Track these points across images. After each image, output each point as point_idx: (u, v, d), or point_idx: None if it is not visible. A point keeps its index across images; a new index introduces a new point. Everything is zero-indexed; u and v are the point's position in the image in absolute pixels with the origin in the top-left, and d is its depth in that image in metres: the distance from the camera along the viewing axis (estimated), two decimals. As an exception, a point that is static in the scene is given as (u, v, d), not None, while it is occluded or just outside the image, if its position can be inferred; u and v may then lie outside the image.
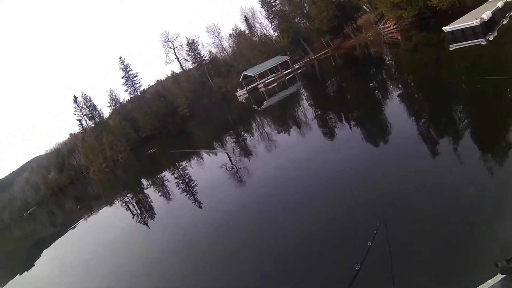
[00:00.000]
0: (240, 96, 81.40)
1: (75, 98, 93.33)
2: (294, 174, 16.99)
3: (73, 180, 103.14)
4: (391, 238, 7.60)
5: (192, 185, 26.30)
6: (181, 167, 36.05)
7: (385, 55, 41.23)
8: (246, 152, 27.43)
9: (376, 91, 25.40)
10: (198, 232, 16.40)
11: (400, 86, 23.64)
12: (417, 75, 24.63)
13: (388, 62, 35.44)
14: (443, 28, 25.04)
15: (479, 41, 21.66)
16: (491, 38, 21.04)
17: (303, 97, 42.16)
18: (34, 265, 27.77)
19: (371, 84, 28.52)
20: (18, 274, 26.37)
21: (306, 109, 32.35)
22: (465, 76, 19.03)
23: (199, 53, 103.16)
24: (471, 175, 9.62)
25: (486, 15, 22.29)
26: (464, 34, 23.46)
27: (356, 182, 12.88)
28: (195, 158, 36.29)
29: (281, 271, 9.78)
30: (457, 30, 23.99)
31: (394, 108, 19.04)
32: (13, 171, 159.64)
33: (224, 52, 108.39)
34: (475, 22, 22.31)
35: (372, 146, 16.01)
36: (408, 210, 9.51)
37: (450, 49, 23.58)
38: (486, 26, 22.29)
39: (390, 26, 51.05)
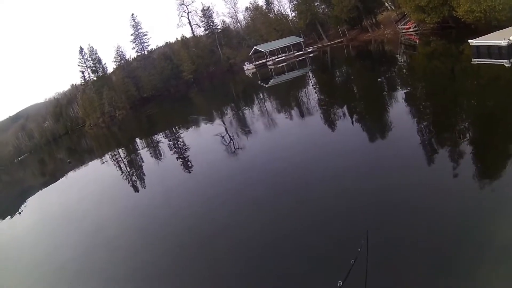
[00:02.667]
0: (247, 70, 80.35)
1: (81, 50, 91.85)
2: (284, 162, 16.39)
3: (68, 131, 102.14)
4: (374, 257, 7.28)
5: (184, 150, 26.27)
6: (177, 132, 35.74)
7: (399, 55, 40.19)
8: (244, 127, 27.16)
9: (383, 89, 24.94)
10: (182, 197, 16.59)
11: (408, 88, 23.13)
12: (430, 82, 23.94)
13: (401, 63, 34.49)
14: (469, 40, 24.03)
15: (503, 62, 20.68)
16: (515, 62, 20.37)
17: (310, 82, 41.36)
18: (19, 212, 27.54)
19: (379, 80, 28.06)
20: (1, 219, 26.36)
21: (311, 94, 31.74)
22: (480, 92, 18.38)
23: (212, 21, 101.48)
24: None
25: (514, 37, 21.43)
26: (489, 51, 22.47)
27: (343, 188, 12.16)
28: (193, 125, 36.17)
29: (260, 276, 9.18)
30: (483, 46, 23.00)
31: (397, 110, 18.81)
32: (9, 116, 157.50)
33: (238, 24, 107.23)
34: (503, 42, 21.20)
35: (366, 145, 15.44)
36: (397, 229, 9.10)
37: (472, 62, 22.79)
38: (513, 49, 21.55)
39: (410, 28, 49.83)
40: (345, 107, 23.54)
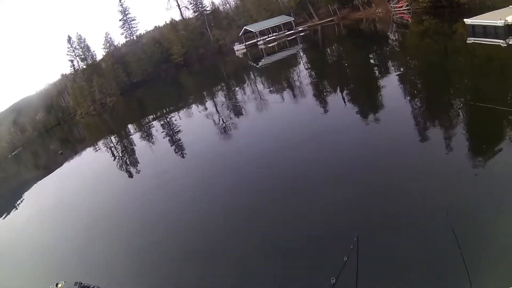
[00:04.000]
0: (238, 50, 79.48)
1: (69, 38, 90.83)
2: (276, 142, 16.56)
3: (60, 122, 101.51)
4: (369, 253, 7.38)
5: (176, 133, 26.28)
6: (168, 116, 35.57)
7: (391, 34, 39.71)
8: (235, 108, 27.27)
9: (375, 68, 24.78)
10: (177, 179, 16.73)
11: (400, 67, 22.94)
12: (423, 60, 23.75)
13: (393, 41, 34.11)
14: (465, 20, 23.75)
15: (499, 42, 20.45)
16: (511, 42, 19.88)
17: (302, 60, 40.98)
18: (16, 208, 27.42)
19: (370, 58, 27.96)
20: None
21: (302, 73, 31.50)
22: (473, 71, 18.14)
23: (201, 3, 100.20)
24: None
25: (511, 18, 21.01)
26: (485, 31, 22.34)
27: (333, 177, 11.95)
28: (184, 109, 36.09)
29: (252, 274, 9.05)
30: (479, 25, 22.83)
31: (388, 88, 18.53)
32: (1, 112, 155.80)
33: (227, 5, 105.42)
34: (499, 22, 21.03)
35: (356, 126, 15.17)
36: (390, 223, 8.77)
37: (468, 42, 22.52)
38: (509, 29, 21.03)
39: (402, 6, 49.10)
40: (336, 86, 23.33)
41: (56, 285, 2.71)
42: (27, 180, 39.99)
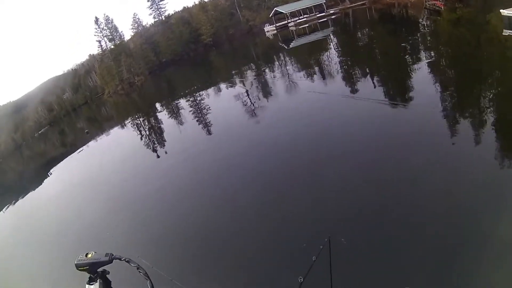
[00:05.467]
0: (268, 31, 78.26)
1: (97, 19, 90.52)
2: (303, 127, 15.61)
3: (87, 101, 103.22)
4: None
5: (204, 113, 25.47)
6: (196, 95, 34.76)
7: (423, 20, 37.61)
8: (264, 89, 26.37)
9: (405, 53, 23.21)
10: (203, 159, 16.39)
11: (432, 55, 21.13)
12: (454, 49, 21.86)
13: (425, 29, 32.03)
14: (501, 11, 21.75)
15: None
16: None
17: (332, 43, 39.41)
18: (42, 184, 27.81)
19: (402, 45, 26.02)
20: (27, 193, 26.47)
21: (332, 56, 30.22)
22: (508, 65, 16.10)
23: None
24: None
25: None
26: None
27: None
28: (212, 88, 35.45)
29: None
30: None
31: (418, 74, 17.23)
32: (28, 92, 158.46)
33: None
34: None
35: (385, 114, 13.84)
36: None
37: (504, 34, 20.35)
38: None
39: None
40: (366, 70, 22.12)
41: (86, 255, 2.36)
42: (53, 157, 40.61)
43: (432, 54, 21.05)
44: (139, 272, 2.78)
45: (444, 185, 8.18)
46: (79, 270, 2.65)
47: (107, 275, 2.76)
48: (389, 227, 7.81)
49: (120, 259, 2.78)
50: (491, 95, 12.55)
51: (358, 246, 7.38)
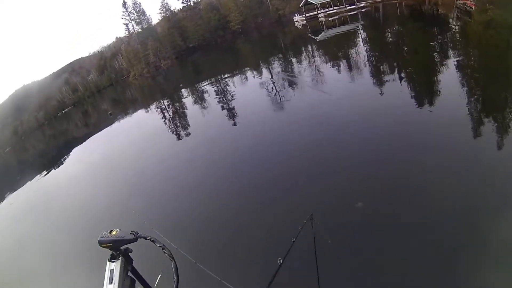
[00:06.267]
0: (297, 21, 77.44)
1: (124, 3, 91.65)
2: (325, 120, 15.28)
3: (112, 83, 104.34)
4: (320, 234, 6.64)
5: (229, 100, 25.31)
6: (222, 81, 34.59)
7: (453, 19, 36.63)
8: (291, 79, 25.63)
9: (434, 52, 22.62)
10: (224, 146, 16.51)
11: (461, 56, 20.47)
12: (483, 52, 21.08)
13: (454, 28, 31.28)
14: None
15: None
16: None
17: (361, 37, 38.80)
18: (62, 163, 28.37)
19: (431, 44, 25.43)
20: (49, 171, 26.97)
21: (361, 51, 29.69)
22: None
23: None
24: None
25: None
26: None
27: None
28: (239, 75, 35.23)
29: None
30: None
31: (445, 75, 16.69)
32: (53, 72, 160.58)
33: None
34: None
35: (411, 112, 13.39)
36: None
37: None
38: None
39: None
40: (393, 67, 21.65)
41: (110, 232, 2.20)
42: (75, 137, 41.59)
43: (460, 56, 20.50)
44: (164, 252, 2.78)
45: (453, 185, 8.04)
46: (102, 246, 2.62)
47: (129, 253, 2.75)
48: (382, 219, 7.87)
49: (145, 238, 2.78)
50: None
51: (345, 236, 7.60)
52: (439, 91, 14.76)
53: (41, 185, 23.80)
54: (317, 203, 8.97)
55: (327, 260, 6.91)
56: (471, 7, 39.82)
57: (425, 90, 16.02)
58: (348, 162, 10.63)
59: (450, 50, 22.39)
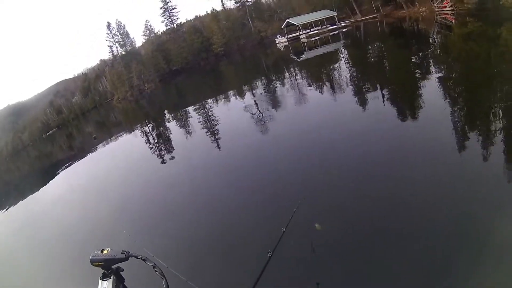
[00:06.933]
0: (279, 43, 78.62)
1: (109, 25, 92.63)
2: (309, 141, 15.27)
3: (96, 105, 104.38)
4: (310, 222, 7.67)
5: (213, 123, 25.41)
6: (205, 104, 34.88)
7: (434, 34, 37.60)
8: (273, 101, 26.29)
9: (416, 68, 23.34)
10: (209, 169, 16.24)
11: (443, 70, 20.97)
12: (465, 64, 21.84)
13: (435, 42, 32.00)
14: None
15: None
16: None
17: (343, 57, 39.41)
18: (46, 185, 28.06)
19: (412, 59, 26.30)
20: (33, 193, 26.80)
21: (343, 70, 30.10)
22: None
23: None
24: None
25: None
26: None
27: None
28: (222, 98, 35.57)
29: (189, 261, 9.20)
30: None
31: (428, 89, 16.94)
32: (38, 93, 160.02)
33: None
34: None
35: (394, 128, 13.68)
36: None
37: None
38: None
39: (445, 7, 47.35)
40: (375, 85, 21.93)
41: (102, 251, 2.40)
42: (60, 160, 41.21)
43: (442, 69, 20.94)
44: (155, 271, 2.87)
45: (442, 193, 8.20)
46: (94, 265, 2.71)
47: (121, 272, 2.83)
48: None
49: (136, 257, 2.85)
50: (502, 110, 12.35)
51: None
52: (421, 105, 15.09)
53: (28, 206, 23.71)
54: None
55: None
56: (451, 21, 41.10)
57: (407, 105, 16.35)
58: (333, 179, 10.74)
59: (432, 64, 22.92)
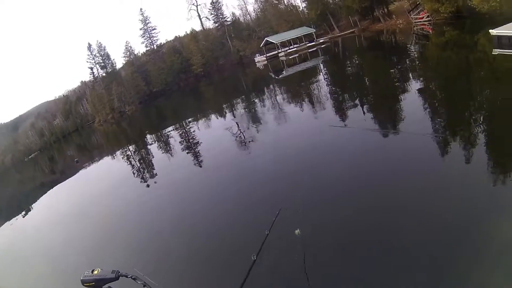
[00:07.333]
0: (258, 62, 79.07)
1: (89, 46, 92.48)
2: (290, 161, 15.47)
3: (78, 128, 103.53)
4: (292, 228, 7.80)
5: (195, 144, 25.73)
6: (187, 126, 35.04)
7: (411, 45, 38.70)
8: (254, 120, 26.47)
9: (395, 79, 23.97)
10: (192, 192, 16.36)
11: (421, 79, 21.97)
12: (443, 72, 22.56)
13: (413, 53, 32.91)
14: (490, 31, 22.52)
15: None
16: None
17: (322, 73, 40.33)
18: (30, 209, 27.83)
19: (391, 71, 27.12)
20: (14, 218, 26.47)
21: (322, 86, 30.81)
22: (499, 82, 16.71)
23: (221, 13, 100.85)
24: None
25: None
26: (511, 41, 21.17)
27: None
28: (203, 119, 36.01)
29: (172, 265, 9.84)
30: (505, 36, 21.56)
31: (409, 102, 17.50)
32: (20, 115, 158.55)
33: (248, 16, 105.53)
34: None
35: (377, 142, 14.02)
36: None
37: (493, 53, 21.16)
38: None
39: (422, 18, 48.71)
40: (356, 99, 22.60)
41: (92, 271, 2.55)
42: (42, 183, 40.98)
43: (421, 79, 21.64)
44: None
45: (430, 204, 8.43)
46: (85, 286, 2.77)
47: None
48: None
49: (126, 276, 2.91)
50: (483, 116, 12.96)
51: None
52: (402, 116, 15.69)
53: (13, 231, 23.53)
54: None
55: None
56: (428, 31, 42.18)
57: (388, 117, 16.76)
58: (314, 194, 11.14)
59: (411, 75, 23.55)
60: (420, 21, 48.93)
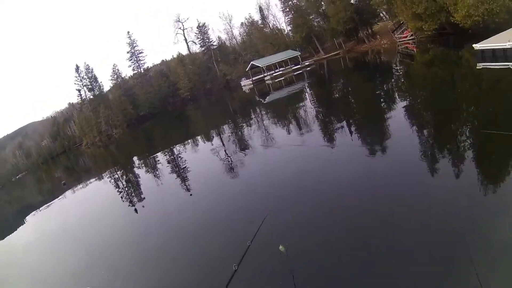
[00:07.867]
0: (244, 85, 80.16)
1: (77, 68, 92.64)
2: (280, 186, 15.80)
3: (65, 150, 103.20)
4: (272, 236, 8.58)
5: (182, 168, 25.95)
6: (174, 150, 35.46)
7: (396, 64, 39.76)
8: (241, 144, 26.92)
9: (381, 99, 24.79)
10: (180, 216, 16.54)
11: (406, 98, 22.88)
12: (429, 90, 23.53)
13: (398, 73, 34.01)
14: (474, 45, 23.45)
15: (508, 65, 20.31)
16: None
17: (308, 95, 41.11)
18: (16, 230, 27.94)
19: (377, 92, 27.76)
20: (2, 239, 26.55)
21: (308, 108, 31.55)
22: (485, 97, 17.73)
23: (208, 38, 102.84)
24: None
25: (518, 38, 21.06)
26: (495, 54, 22.09)
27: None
28: (190, 143, 36.14)
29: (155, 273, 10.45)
30: (488, 49, 22.48)
31: (394, 122, 18.14)
32: (7, 134, 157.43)
33: (234, 40, 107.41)
34: (508, 44, 20.79)
35: (363, 162, 14.69)
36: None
37: (478, 67, 22.07)
38: (518, 50, 20.98)
39: (406, 36, 50.28)
40: (342, 121, 23.16)
41: None
42: (29, 205, 40.51)
43: (407, 98, 22.38)
44: None
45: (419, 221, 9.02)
46: None
47: None
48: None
49: None
50: (468, 131, 13.82)
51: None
52: (388, 135, 16.43)
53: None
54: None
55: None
56: (412, 50, 43.43)
57: (374, 137, 17.42)
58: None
59: (396, 95, 24.38)
60: (404, 40, 50.50)
